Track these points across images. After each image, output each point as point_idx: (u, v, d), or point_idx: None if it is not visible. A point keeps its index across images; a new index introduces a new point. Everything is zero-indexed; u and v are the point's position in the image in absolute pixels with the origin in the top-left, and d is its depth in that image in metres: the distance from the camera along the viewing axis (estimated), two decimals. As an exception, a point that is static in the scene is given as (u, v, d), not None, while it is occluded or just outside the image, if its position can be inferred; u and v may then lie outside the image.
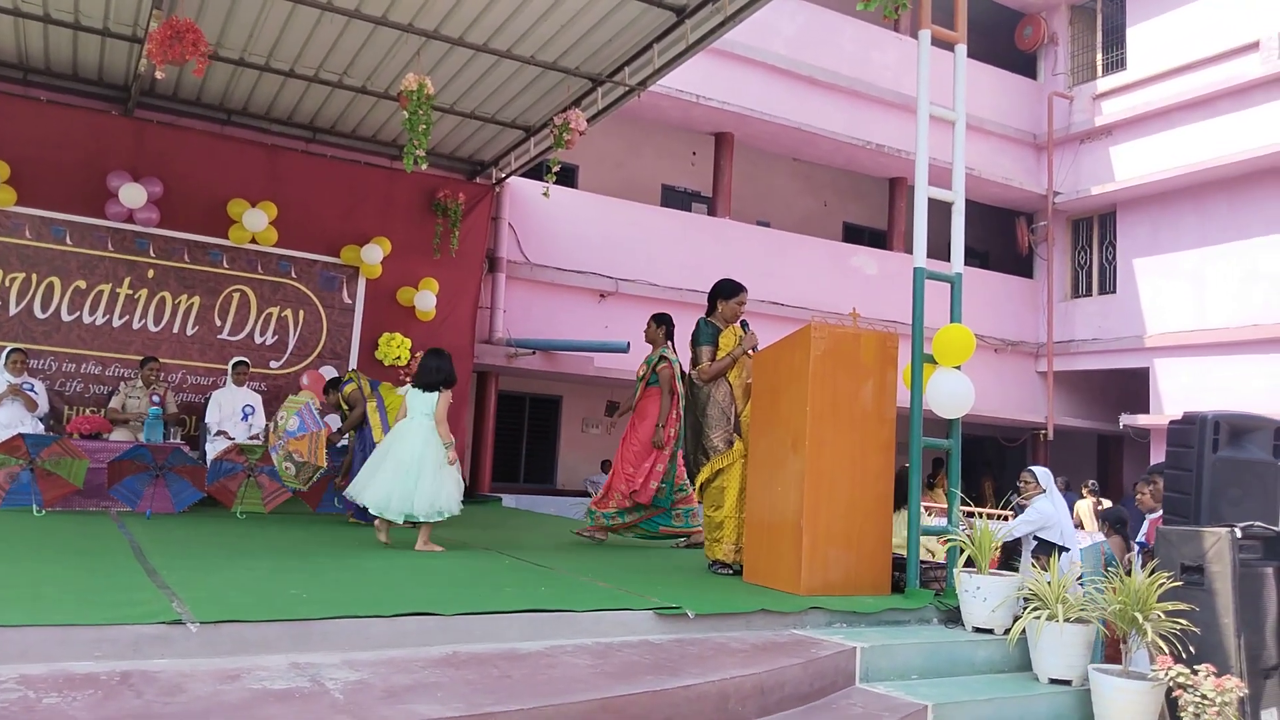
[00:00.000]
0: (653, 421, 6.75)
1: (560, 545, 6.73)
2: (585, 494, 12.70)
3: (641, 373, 7.03)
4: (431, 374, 6.10)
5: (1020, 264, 17.28)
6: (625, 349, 11.62)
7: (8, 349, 8.09)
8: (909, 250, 5.33)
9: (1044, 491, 6.68)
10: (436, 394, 6.05)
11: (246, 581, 4.21)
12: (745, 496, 5.47)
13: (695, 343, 5.71)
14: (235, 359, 8.97)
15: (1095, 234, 16.53)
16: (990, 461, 17.94)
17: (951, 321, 5.33)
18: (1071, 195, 16.17)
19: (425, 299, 10.63)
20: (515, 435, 14.29)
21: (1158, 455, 13.36)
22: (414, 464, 5.84)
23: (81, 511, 7.02)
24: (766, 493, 5.14)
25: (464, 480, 11.27)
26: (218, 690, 2.84)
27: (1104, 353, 15.91)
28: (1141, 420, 14.82)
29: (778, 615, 4.36)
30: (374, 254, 10.26)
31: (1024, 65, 17.14)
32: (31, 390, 7.96)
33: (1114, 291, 15.99)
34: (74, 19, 8.06)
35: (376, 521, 6.10)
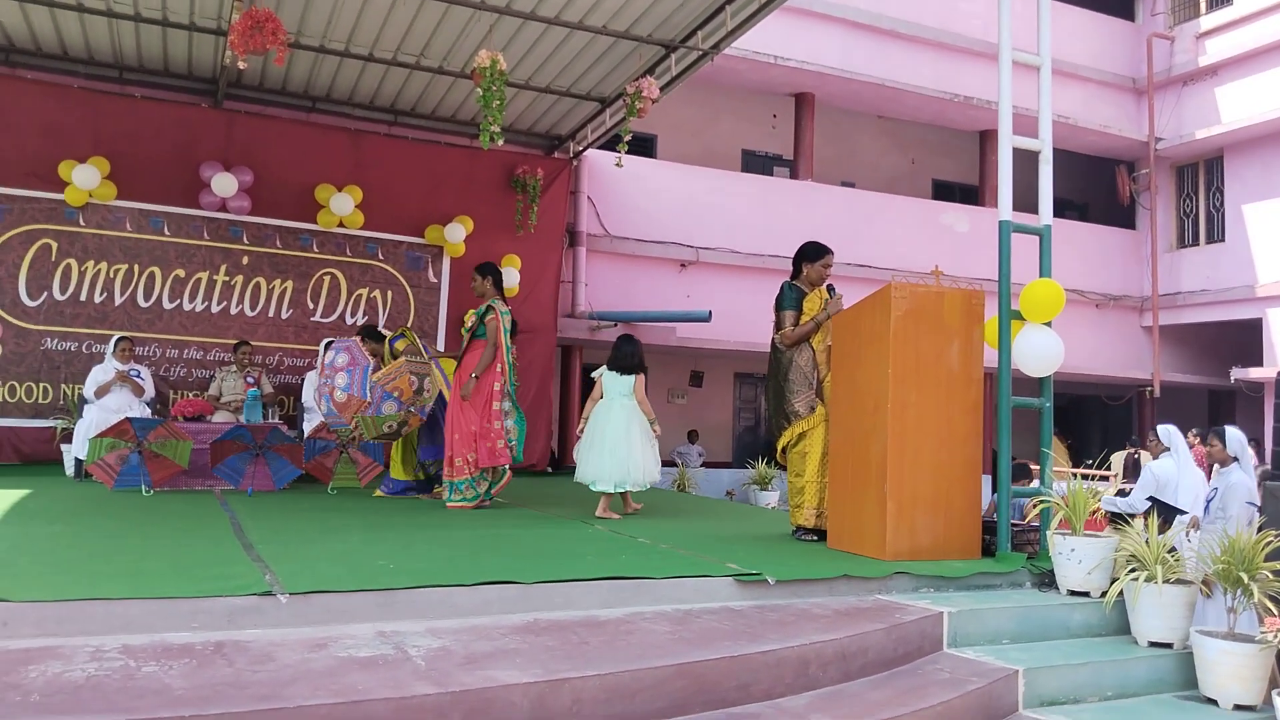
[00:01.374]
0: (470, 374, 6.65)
1: (642, 515, 6.75)
2: (673, 464, 12.74)
3: (469, 323, 6.83)
4: (627, 359, 6.76)
5: (1122, 215, 16.55)
6: (707, 318, 11.55)
7: (116, 337, 8.48)
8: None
9: (1166, 450, 6.38)
10: (633, 376, 6.73)
11: (337, 553, 4.34)
12: (826, 461, 5.38)
13: (779, 307, 5.63)
14: (325, 340, 9.21)
15: (1201, 180, 15.70)
16: (1071, 421, 17.28)
17: (1041, 276, 5.13)
18: (1175, 141, 15.38)
19: (509, 275, 10.70)
20: (602, 407, 14.36)
21: (1272, 408, 12.69)
22: (624, 440, 6.50)
23: (188, 491, 7.34)
24: (849, 457, 5.06)
25: (554, 451, 11.53)
26: (305, 659, 2.94)
27: (1213, 304, 15.14)
28: (1254, 374, 14.09)
29: (861, 581, 4.30)
30: (457, 233, 10.40)
31: (1121, 7, 16.32)
32: (138, 376, 8.34)
33: (1222, 240, 15.19)
34: (162, 15, 8.32)
35: (601, 506, 6.45)
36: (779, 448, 5.66)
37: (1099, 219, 16.74)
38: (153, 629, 3.15)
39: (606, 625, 3.53)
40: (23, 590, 3.20)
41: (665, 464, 12.95)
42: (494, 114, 7.16)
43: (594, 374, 6.98)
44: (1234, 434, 5.83)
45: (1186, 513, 5.93)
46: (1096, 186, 17.01)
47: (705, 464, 13.61)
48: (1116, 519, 6.22)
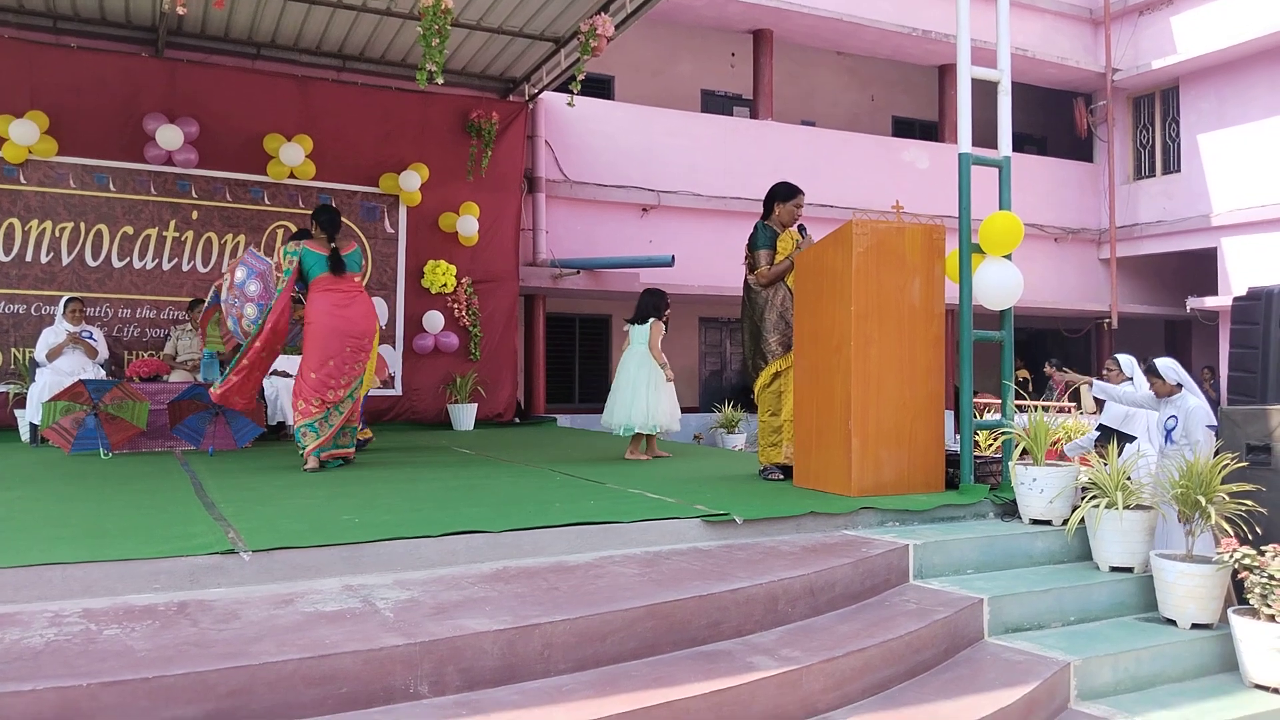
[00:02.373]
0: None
1: (610, 461, 6.76)
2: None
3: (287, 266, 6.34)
4: (640, 309, 7.15)
5: (1080, 148, 16.62)
6: (670, 263, 11.48)
7: (65, 298, 8.27)
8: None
9: (1129, 380, 6.42)
10: (646, 325, 7.04)
11: (301, 509, 4.29)
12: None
13: (752, 246, 5.61)
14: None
15: (1158, 111, 15.78)
16: (1031, 354, 17.52)
17: (1000, 209, 5.12)
18: (1131, 71, 15.40)
19: (467, 224, 10.57)
20: (567, 356, 14.32)
21: (1227, 337, 12.94)
22: (630, 386, 6.90)
23: (148, 453, 7.22)
24: (813, 395, 5.07)
25: (520, 402, 11.46)
26: (271, 615, 2.90)
27: (1169, 235, 15.33)
28: (1209, 303, 14.34)
29: (828, 517, 4.33)
30: (412, 181, 10.20)
31: (1077, -65, 16.20)
32: (91, 338, 8.15)
33: (1178, 170, 15.32)
34: (93, -39, 8.00)
35: (628, 448, 6.79)
36: (756, 388, 5.67)
37: (1057, 152, 16.80)
38: (114, 591, 3.09)
39: (576, 570, 3.53)
40: (-24, 557, 3.12)
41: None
42: (433, 53, 6.99)
43: (624, 327, 7.30)
44: (1165, 363, 5.84)
45: (1135, 438, 6.03)
46: (1055, 120, 17.04)
47: (672, 408, 13.62)
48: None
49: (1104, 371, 6.47)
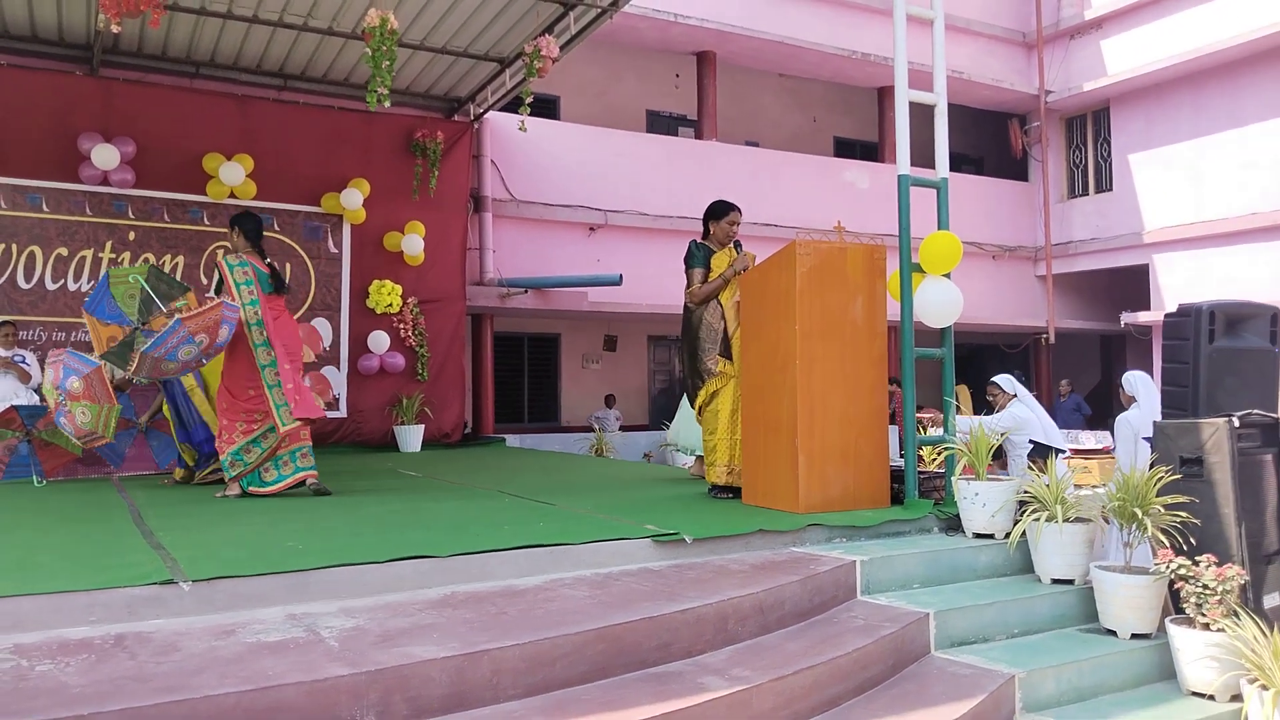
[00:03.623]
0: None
1: (560, 482, 6.73)
2: (590, 429, 12.73)
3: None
4: None
5: (1015, 168, 17.04)
6: (618, 281, 11.52)
7: (-4, 321, 8.03)
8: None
9: (1014, 397, 6.68)
10: None
11: (243, 537, 4.20)
12: (736, 418, 5.44)
13: (688, 265, 5.65)
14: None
15: (1090, 132, 16.25)
16: (971, 371, 17.88)
17: (939, 229, 5.23)
18: (1064, 93, 15.85)
19: (413, 243, 10.50)
20: (516, 375, 14.27)
21: (1160, 351, 13.33)
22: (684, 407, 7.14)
23: (84, 480, 7.03)
24: (761, 413, 5.11)
25: (467, 423, 11.36)
26: (212, 646, 2.84)
27: (1103, 252, 15.77)
28: (1143, 318, 14.75)
29: (776, 535, 4.36)
30: (354, 199, 10.10)
31: (1010, -39, 16.67)
32: (23, 362, 7.91)
33: (1110, 189, 15.78)
34: (25, -23, 7.83)
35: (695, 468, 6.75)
36: (696, 407, 5.69)
37: (993, 172, 17.21)
38: (46, 626, 2.99)
39: (525, 594, 3.51)
40: (-101, 594, 3.01)
41: (583, 429, 13.01)
42: (383, 75, 6.96)
43: None
44: (1003, 378, 6.68)
45: (1062, 450, 6.36)
46: (990, 140, 17.46)
47: (622, 427, 13.64)
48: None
49: (987, 396, 6.78)
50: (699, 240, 5.72)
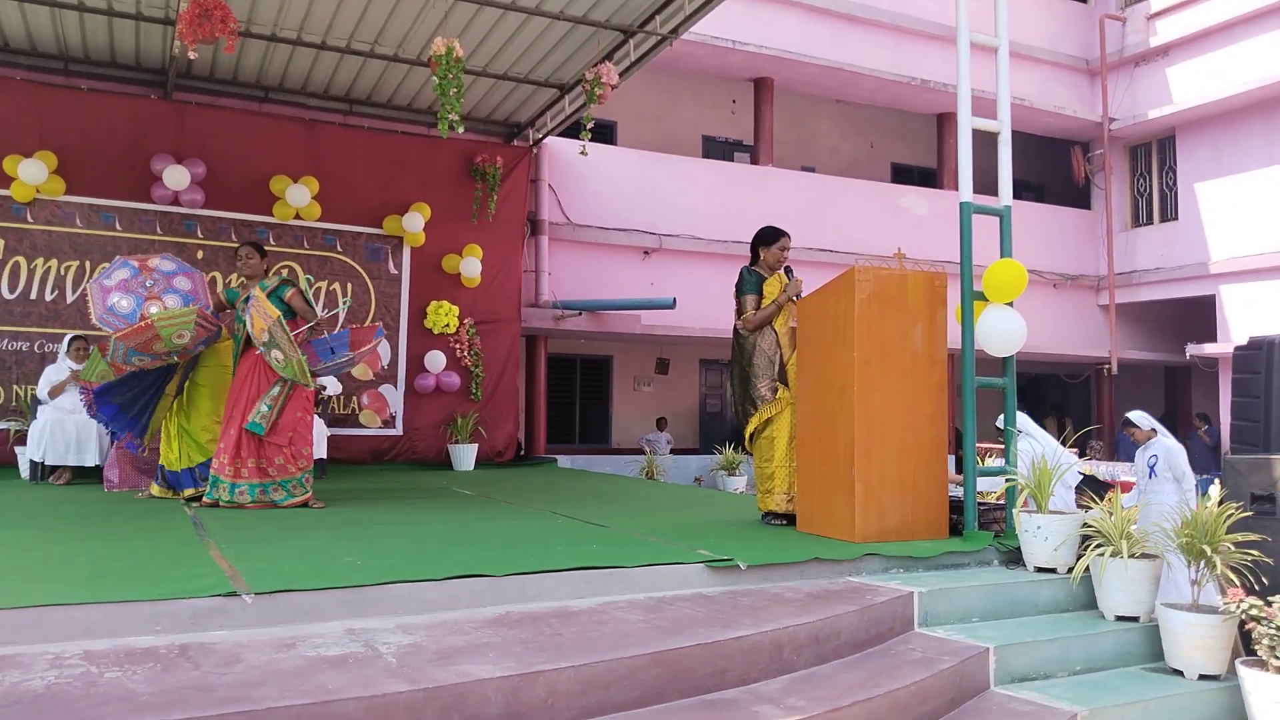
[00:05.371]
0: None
1: (612, 504, 6.73)
2: (641, 451, 12.73)
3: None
4: None
5: (1077, 195, 16.77)
6: (672, 305, 11.55)
7: (69, 336, 8.29)
8: (959, 188, 5.17)
9: (1153, 432, 6.71)
10: None
11: (302, 551, 4.27)
12: (794, 445, 5.40)
13: (739, 292, 5.62)
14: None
15: (1154, 160, 15.94)
16: (1056, 402, 17.58)
17: (1002, 256, 5.17)
18: (1128, 121, 15.59)
19: (470, 265, 10.64)
20: (568, 397, 14.34)
21: (1227, 384, 12.96)
22: None
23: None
24: (816, 441, 5.07)
25: (520, 442, 11.44)
26: (273, 659, 2.88)
27: (1167, 282, 15.41)
28: (1209, 349, 14.36)
29: (832, 563, 4.31)
30: (415, 222, 10.28)
31: (1073, -12, 16.51)
32: (93, 375, 8.14)
33: (1176, 218, 15.44)
34: (107, 5, 8.12)
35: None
36: (746, 435, 5.66)
37: (1055, 200, 16.95)
38: (115, 634, 3.07)
39: (579, 615, 3.51)
40: (-23, 598, 3.11)
41: (634, 451, 13.02)
42: (452, 102, 7.08)
43: None
44: (1138, 414, 6.85)
45: (1113, 485, 6.43)
46: (1052, 167, 17.22)
47: (673, 450, 13.63)
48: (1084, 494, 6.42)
49: (1125, 431, 6.84)
50: (750, 266, 5.71)
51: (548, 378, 12.50)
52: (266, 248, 9.53)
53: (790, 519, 5.40)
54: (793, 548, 4.50)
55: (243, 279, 6.51)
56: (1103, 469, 7.33)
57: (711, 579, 4.05)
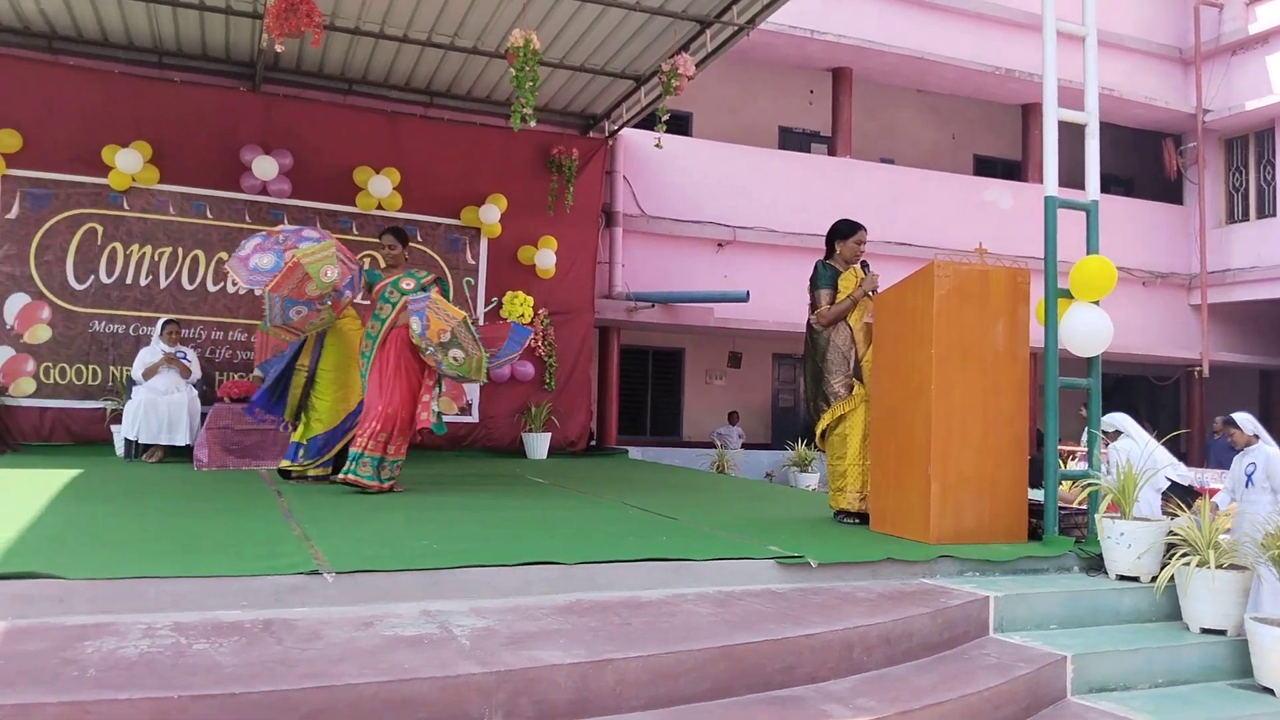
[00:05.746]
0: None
1: (682, 497, 6.74)
2: (712, 445, 12.72)
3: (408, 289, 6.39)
4: None
5: (1169, 190, 16.20)
6: (745, 298, 11.49)
7: (162, 320, 8.61)
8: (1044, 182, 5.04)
9: (1256, 439, 6.41)
10: None
11: (382, 533, 4.38)
12: (869, 442, 5.34)
13: (814, 286, 5.57)
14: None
15: (1251, 153, 15.31)
16: (1117, 403, 17.02)
17: (1089, 253, 5.02)
18: (1224, 112, 14.99)
19: (545, 257, 10.74)
20: (639, 388, 14.39)
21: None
22: None
23: (235, 470, 7.45)
24: (892, 439, 5.00)
25: (592, 431, 11.52)
26: (352, 637, 2.96)
27: (1264, 281, 14.80)
28: (1308, 352, 13.77)
29: (905, 564, 4.25)
30: (491, 213, 10.41)
31: (1169, -26, 15.92)
32: (185, 358, 8.46)
33: (1274, 214, 14.82)
34: (199, 0, 8.38)
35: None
36: (818, 431, 5.60)
37: (1145, 194, 16.41)
38: (203, 607, 3.19)
39: (649, 606, 3.53)
40: (78, 568, 3.25)
41: (705, 445, 13.01)
42: (527, 95, 7.13)
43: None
44: (1243, 417, 6.53)
45: (1201, 492, 6.18)
46: (1142, 161, 16.66)
47: (744, 445, 13.58)
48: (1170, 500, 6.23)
49: (1223, 435, 6.59)
50: (825, 260, 5.64)
51: (620, 369, 12.55)
52: (349, 238, 9.83)
53: (863, 518, 5.33)
54: (865, 547, 4.45)
55: (384, 265, 6.65)
56: (1190, 475, 7.06)
57: (782, 575, 4.03)
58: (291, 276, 6.14)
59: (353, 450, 6.07)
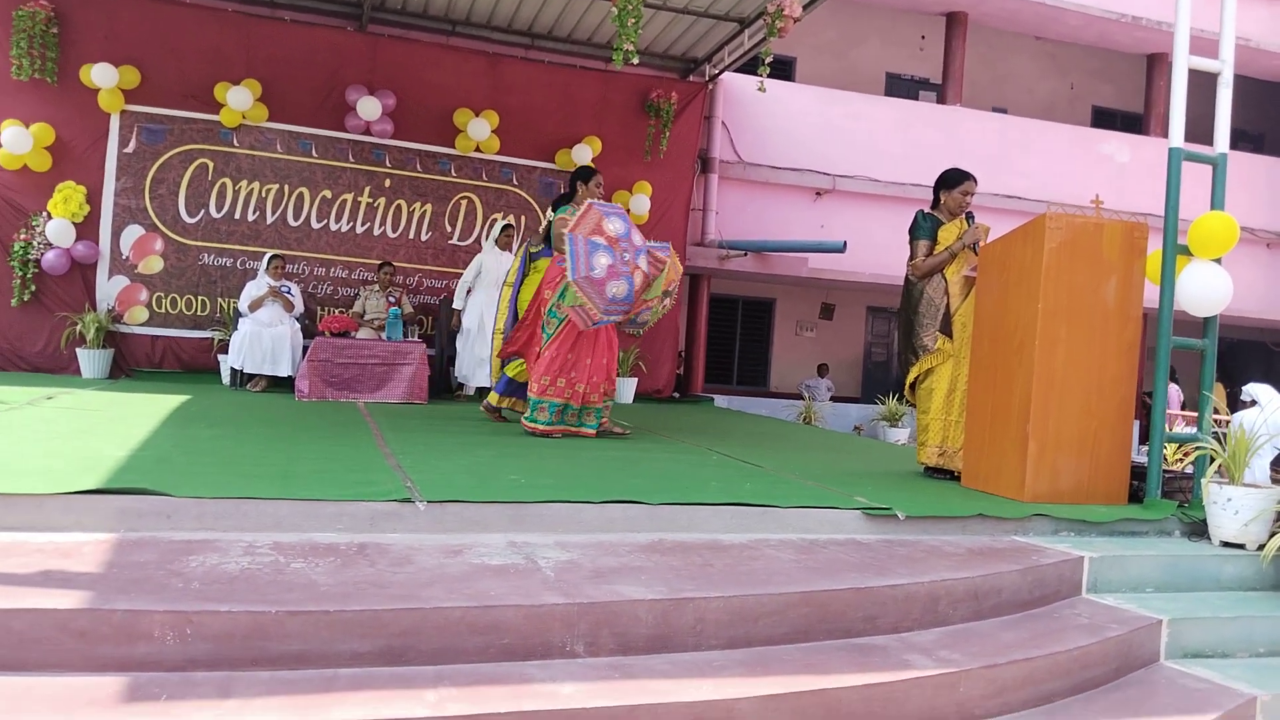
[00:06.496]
0: None
1: (768, 446, 6.70)
2: (799, 397, 12.60)
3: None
4: None
5: (1303, 147, 15.21)
6: (842, 249, 11.26)
7: (269, 255, 8.91)
8: (1167, 135, 4.77)
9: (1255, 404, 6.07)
10: None
11: (472, 466, 4.48)
12: (953, 398, 5.22)
13: (913, 236, 5.42)
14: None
15: (1402, 107, 14.21)
16: (1230, 367, 16.20)
17: (1211, 209, 4.75)
18: (1373, 63, 13.93)
19: (639, 202, 10.69)
20: (728, 337, 14.32)
21: None
22: None
23: (334, 402, 7.70)
24: (989, 395, 4.86)
25: (679, 377, 11.52)
26: (441, 563, 3.05)
27: (1405, 246, 13.83)
28: None
29: (997, 521, 4.16)
30: (583, 155, 10.36)
31: (1320, -89, 14.74)
32: (289, 292, 8.75)
33: None
34: (310, -60, 8.50)
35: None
36: (907, 384, 5.50)
37: (1275, 151, 15.43)
38: (301, 528, 3.32)
39: (730, 549, 3.54)
40: (185, 486, 3.41)
41: (792, 396, 12.91)
42: (629, 33, 7.05)
43: None
44: None
45: None
46: (1274, 115, 15.64)
47: (833, 398, 13.43)
48: None
49: (1243, 398, 6.25)
50: (927, 210, 5.47)
51: (709, 317, 12.49)
52: (447, 179, 9.96)
53: (946, 474, 5.23)
54: (956, 502, 4.37)
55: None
56: None
57: (867, 526, 3.99)
58: (638, 302, 6.18)
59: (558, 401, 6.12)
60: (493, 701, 2.36)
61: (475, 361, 8.71)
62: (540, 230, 6.92)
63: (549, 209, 6.96)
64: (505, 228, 9.03)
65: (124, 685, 2.28)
